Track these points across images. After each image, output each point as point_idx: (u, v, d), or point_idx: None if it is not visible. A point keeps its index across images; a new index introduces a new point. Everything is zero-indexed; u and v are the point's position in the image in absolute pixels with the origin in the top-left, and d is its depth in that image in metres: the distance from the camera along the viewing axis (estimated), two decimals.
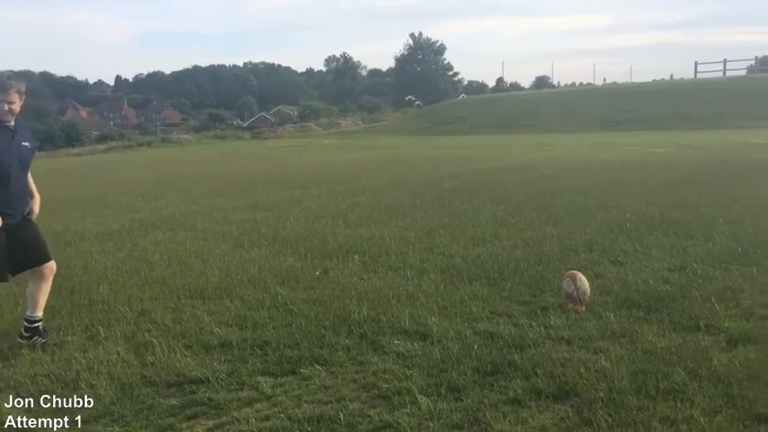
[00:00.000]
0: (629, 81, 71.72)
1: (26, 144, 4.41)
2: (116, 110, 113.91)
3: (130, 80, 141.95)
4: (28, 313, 4.57)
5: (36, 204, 4.61)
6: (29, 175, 4.63)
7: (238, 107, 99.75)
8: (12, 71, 4.45)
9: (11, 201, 4.30)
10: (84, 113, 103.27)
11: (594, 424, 3.08)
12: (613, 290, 5.18)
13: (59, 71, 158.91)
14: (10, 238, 4.30)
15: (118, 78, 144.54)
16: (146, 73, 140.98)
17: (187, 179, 17.82)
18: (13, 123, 4.30)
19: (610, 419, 3.09)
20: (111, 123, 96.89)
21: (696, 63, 54.76)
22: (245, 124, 75.90)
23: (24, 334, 4.52)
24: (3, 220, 4.23)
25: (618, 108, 42.34)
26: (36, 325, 4.55)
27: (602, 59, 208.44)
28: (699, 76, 52.59)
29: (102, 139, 58.53)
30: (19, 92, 4.26)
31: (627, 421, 3.08)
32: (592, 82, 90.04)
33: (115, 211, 11.49)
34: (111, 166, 28.25)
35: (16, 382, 3.87)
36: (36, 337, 4.50)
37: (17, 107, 4.26)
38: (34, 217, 4.62)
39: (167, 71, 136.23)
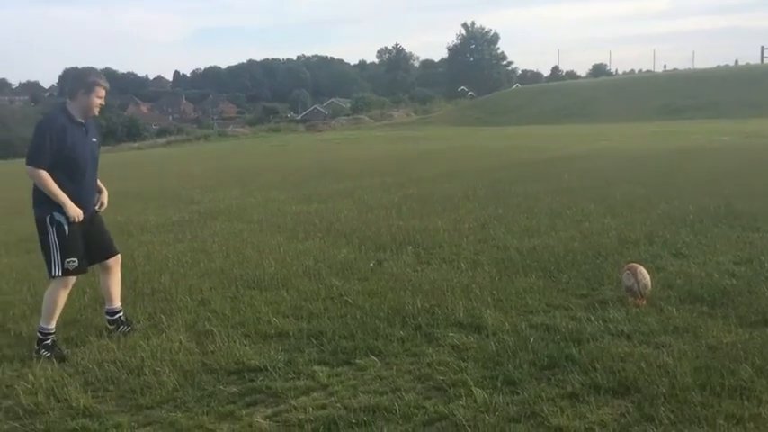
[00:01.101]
0: (690, 67, 69.27)
1: (95, 140, 4.58)
2: (174, 104, 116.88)
3: (188, 75, 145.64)
4: (107, 306, 4.74)
5: (105, 197, 4.78)
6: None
7: (292, 100, 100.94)
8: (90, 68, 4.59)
9: (86, 194, 4.47)
10: (144, 108, 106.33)
11: (656, 420, 3.00)
12: (676, 283, 5.02)
13: (121, 68, 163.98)
14: (85, 231, 4.46)
15: (176, 74, 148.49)
16: (203, 68, 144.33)
17: (243, 171, 18.17)
18: (84, 120, 4.44)
19: (672, 416, 3.01)
20: (170, 118, 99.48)
21: (762, 48, 52.48)
22: (299, 117, 76.76)
23: (109, 327, 4.69)
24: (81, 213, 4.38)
25: (679, 95, 41.00)
26: (118, 315, 4.72)
27: (662, 45, 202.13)
28: (765, 61, 50.29)
29: (162, 133, 60.32)
30: (106, 89, 4.43)
31: (690, 418, 2.98)
32: (651, 69, 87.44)
33: (175, 203, 11.83)
34: (171, 159, 29.05)
35: (84, 367, 4.03)
36: (122, 326, 4.66)
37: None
38: (104, 209, 4.80)
39: (223, 66, 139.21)
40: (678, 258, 5.84)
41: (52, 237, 4.28)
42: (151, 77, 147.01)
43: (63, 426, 3.30)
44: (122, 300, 5.31)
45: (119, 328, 4.66)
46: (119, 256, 4.81)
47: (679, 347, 3.79)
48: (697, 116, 34.41)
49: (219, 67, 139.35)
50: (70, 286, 4.47)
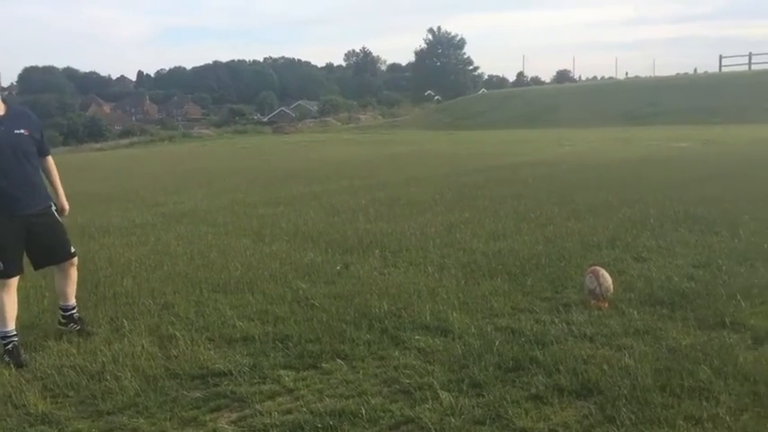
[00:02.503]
0: (651, 75, 70.79)
1: (21, 131, 4.25)
2: (138, 105, 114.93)
3: (152, 75, 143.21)
4: (61, 303, 4.67)
5: (64, 201, 4.66)
6: (49, 167, 4.61)
7: (258, 102, 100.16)
8: None
9: (13, 192, 4.20)
10: (106, 109, 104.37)
11: (618, 421, 3.06)
12: (637, 286, 5.13)
13: (83, 67, 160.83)
14: (30, 232, 4.31)
15: (140, 74, 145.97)
16: (167, 68, 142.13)
17: (208, 174, 17.95)
18: (2, 113, 4.19)
19: (633, 417, 3.07)
20: (134, 118, 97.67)
21: (721, 57, 53.75)
22: (266, 119, 76.19)
23: (61, 321, 4.64)
24: (11, 213, 4.18)
25: (641, 102, 41.81)
26: (71, 312, 4.65)
27: (624, 53, 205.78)
28: (723, 69, 51.68)
29: (125, 133, 59.20)
30: None
31: (651, 419, 3.05)
32: (614, 76, 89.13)
33: (138, 205, 11.63)
34: (134, 160, 28.54)
35: (43, 373, 3.94)
36: (72, 324, 4.60)
37: None
38: (65, 214, 4.68)
39: (188, 66, 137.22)
40: (639, 262, 5.96)
41: None
42: (114, 77, 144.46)
43: None
44: (83, 304, 5.23)
45: (68, 324, 4.59)
46: (75, 259, 4.68)
47: (640, 349, 3.87)
48: (658, 122, 35.14)
49: (184, 68, 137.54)
50: (12, 288, 4.27)
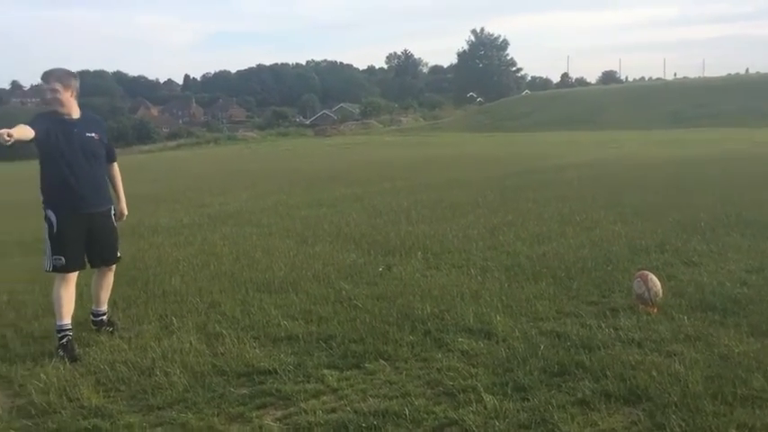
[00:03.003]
0: (701, 75, 69.00)
1: (92, 135, 4.52)
2: (185, 108, 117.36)
3: (198, 79, 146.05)
4: (93, 308, 4.83)
5: (124, 207, 4.89)
6: (114, 173, 4.84)
7: (301, 105, 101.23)
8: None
9: (81, 191, 4.42)
10: (154, 112, 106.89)
11: (668, 428, 2.99)
12: (687, 292, 5.00)
13: (132, 71, 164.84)
14: (90, 230, 4.50)
15: (186, 77, 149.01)
16: (213, 72, 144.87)
17: (252, 175, 18.24)
18: (75, 116, 4.44)
19: (684, 424, 2.99)
20: (180, 121, 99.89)
21: None
22: (308, 122, 77.04)
23: (92, 326, 4.79)
24: (76, 210, 4.42)
25: (689, 104, 40.86)
26: (100, 318, 4.80)
27: (672, 53, 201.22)
28: None
29: (172, 136, 60.64)
30: (62, 82, 4.37)
31: (702, 427, 2.97)
32: (662, 77, 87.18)
33: (185, 206, 11.89)
34: (181, 162, 29.19)
35: (96, 367, 4.06)
36: (104, 327, 4.75)
37: (63, 97, 4.36)
38: (123, 219, 4.85)
39: (233, 70, 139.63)
40: (689, 266, 5.82)
41: (44, 233, 4.44)
42: (162, 81, 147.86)
43: (75, 425, 3.32)
44: (134, 301, 5.39)
45: (101, 329, 4.73)
46: (114, 265, 4.83)
47: (690, 356, 3.78)
48: (707, 124, 34.27)
49: (229, 72, 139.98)
50: (71, 283, 4.47)
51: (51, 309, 4.67)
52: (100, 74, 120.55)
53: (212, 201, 12.39)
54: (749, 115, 35.09)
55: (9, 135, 3.89)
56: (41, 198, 4.49)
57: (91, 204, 4.51)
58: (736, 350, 3.80)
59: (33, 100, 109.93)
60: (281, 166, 21.41)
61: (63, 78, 4.42)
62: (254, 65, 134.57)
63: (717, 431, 2.93)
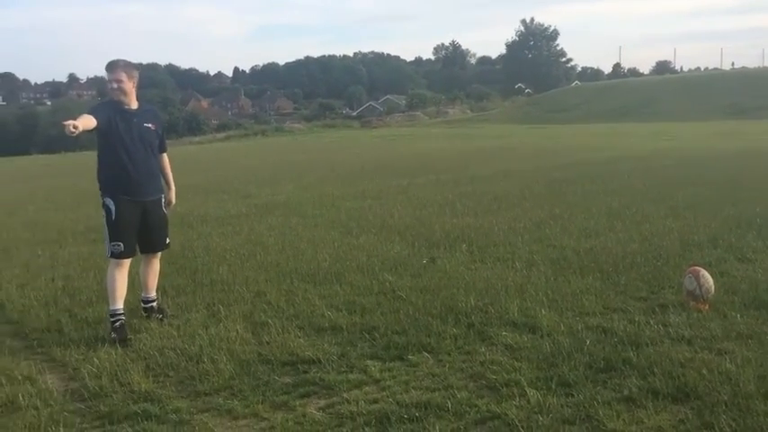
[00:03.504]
0: (760, 65, 66.43)
1: (149, 125, 4.68)
2: (233, 100, 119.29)
3: (247, 71, 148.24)
4: (143, 295, 4.96)
5: (173, 196, 5.01)
6: (165, 163, 4.96)
7: (348, 96, 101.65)
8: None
9: (138, 179, 4.58)
10: (204, 104, 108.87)
11: (717, 428, 2.91)
12: (740, 289, 4.85)
13: (183, 63, 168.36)
14: (144, 217, 4.64)
15: (236, 70, 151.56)
16: (261, 64, 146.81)
17: (299, 167, 18.42)
18: (134, 107, 4.59)
19: (734, 424, 2.91)
20: (229, 113, 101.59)
21: None
22: (354, 113, 77.31)
23: (143, 313, 4.92)
24: (132, 197, 4.56)
25: (748, 95, 39.40)
26: (150, 305, 4.92)
27: (730, 43, 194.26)
28: None
29: (221, 127, 61.71)
30: (127, 72, 4.52)
31: (754, 428, 2.88)
32: (719, 67, 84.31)
33: (233, 196, 12.09)
34: (229, 153, 29.68)
35: (146, 353, 4.18)
36: (154, 314, 4.88)
37: (127, 86, 4.51)
38: (171, 207, 4.98)
39: (281, 62, 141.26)
40: (743, 263, 5.63)
41: (103, 220, 4.59)
42: (212, 73, 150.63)
43: (125, 409, 3.43)
44: (183, 290, 5.52)
45: (151, 315, 4.86)
46: (159, 253, 4.95)
47: (742, 354, 3.66)
48: (765, 116, 32.97)
49: (277, 64, 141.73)
50: (125, 268, 4.62)
51: (105, 295, 4.85)
52: (153, 66, 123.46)
53: (259, 192, 12.56)
54: None
55: (75, 127, 4.05)
56: (99, 186, 4.64)
57: (146, 192, 4.66)
58: None
59: (89, 92, 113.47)
60: (326, 158, 21.57)
61: (127, 69, 4.57)
62: (301, 57, 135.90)
63: None
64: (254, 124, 63.15)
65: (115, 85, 4.50)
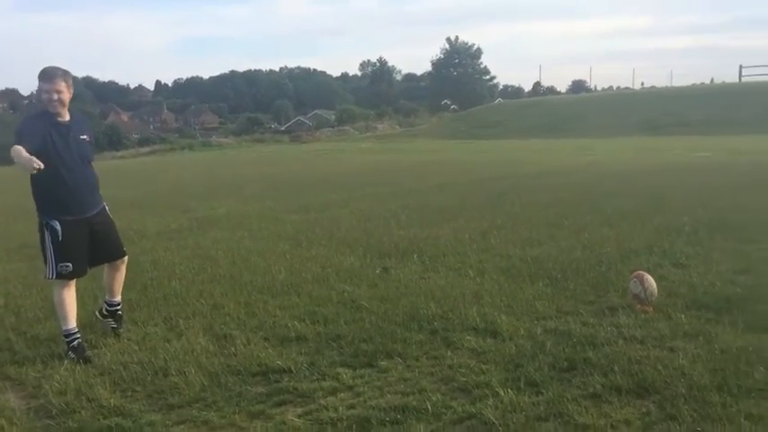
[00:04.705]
0: (668, 85, 70.54)
1: (84, 137, 4.43)
2: (156, 114, 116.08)
3: (170, 85, 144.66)
4: (107, 298, 4.81)
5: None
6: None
7: (275, 111, 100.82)
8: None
9: (79, 196, 4.37)
10: (125, 117, 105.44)
11: (679, 419, 3.12)
12: (680, 292, 5.18)
13: (102, 76, 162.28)
14: (92, 232, 4.48)
15: (157, 83, 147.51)
16: (184, 78, 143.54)
17: (234, 181, 18.17)
18: (68, 119, 4.34)
19: (695, 414, 3.13)
20: (151, 127, 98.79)
21: (741, 66, 53.52)
22: (283, 128, 76.71)
23: (104, 313, 4.77)
24: (74, 215, 4.33)
25: (660, 112, 41.65)
26: (116, 308, 4.79)
27: (642, 63, 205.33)
28: (744, 79, 51.39)
29: (144, 142, 59.95)
30: (66, 82, 4.25)
31: (713, 417, 3.11)
32: (630, 86, 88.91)
33: (170, 210, 11.81)
34: (158, 168, 28.87)
35: (109, 369, 4.07)
36: (109, 320, 4.75)
37: (66, 97, 4.25)
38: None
39: (205, 76, 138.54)
40: (679, 268, 6.00)
41: (47, 241, 4.32)
42: (132, 86, 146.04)
43: (96, 424, 3.34)
44: (136, 304, 5.40)
45: (107, 319, 4.75)
46: (125, 257, 4.83)
47: (692, 351, 3.93)
48: (677, 132, 35.01)
49: (201, 77, 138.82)
50: (72, 287, 4.45)
51: (53, 313, 4.67)
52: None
53: (197, 206, 12.32)
54: (719, 124, 35.96)
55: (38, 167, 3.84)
56: (37, 206, 4.39)
57: (89, 208, 4.46)
58: (735, 345, 3.97)
59: (1, 105, 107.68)
60: (261, 172, 21.35)
61: (67, 78, 4.28)
62: (226, 71, 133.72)
63: (727, 420, 3.07)
64: (178, 138, 61.67)
65: (55, 96, 4.19)
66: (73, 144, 4.33)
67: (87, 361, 4.16)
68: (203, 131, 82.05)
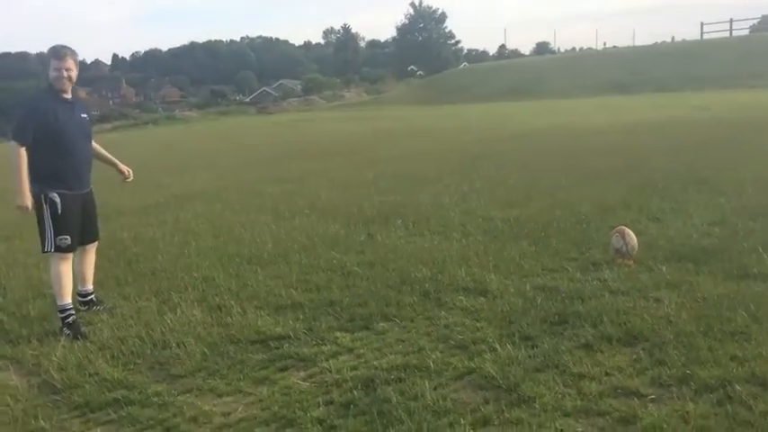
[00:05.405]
0: (631, 44, 71.14)
1: (84, 116, 4.57)
2: (115, 89, 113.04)
3: (127, 58, 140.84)
4: (79, 288, 4.74)
5: (124, 167, 5.03)
6: (100, 149, 4.85)
7: (238, 82, 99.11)
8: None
9: (79, 171, 4.47)
10: (83, 93, 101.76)
11: (669, 363, 3.27)
12: (658, 244, 5.36)
13: None
14: (83, 209, 4.49)
15: (115, 57, 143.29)
16: (143, 51, 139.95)
17: (205, 154, 17.98)
18: (71, 96, 4.44)
19: (684, 358, 3.29)
20: (111, 102, 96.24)
21: (702, 23, 54.28)
22: (248, 99, 75.59)
23: (80, 307, 4.71)
24: (72, 190, 4.41)
25: (625, 71, 42.15)
26: (90, 297, 4.77)
27: (605, 24, 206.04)
28: (705, 36, 52.09)
29: (104, 118, 58.46)
30: (75, 60, 4.38)
31: (700, 360, 3.26)
32: (593, 47, 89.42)
33: (144, 186, 11.58)
34: (124, 143, 28.23)
35: (107, 343, 4.08)
36: (95, 307, 4.73)
37: (74, 75, 4.37)
38: (131, 177, 5.01)
39: (164, 48, 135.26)
40: (655, 222, 6.19)
41: (46, 214, 4.34)
42: (89, 61, 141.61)
43: (102, 397, 3.37)
44: (124, 279, 5.38)
45: (90, 308, 4.72)
46: (97, 241, 4.85)
47: (675, 300, 4.10)
48: (642, 90, 35.50)
49: (161, 50, 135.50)
50: (70, 262, 4.46)
51: (40, 293, 4.65)
52: (22, 56, 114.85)
53: (171, 181, 12.20)
54: (681, 81, 36.52)
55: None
56: (35, 179, 4.34)
57: (85, 184, 4.56)
58: (716, 293, 4.15)
59: None
60: (232, 145, 21.14)
61: (75, 57, 4.40)
62: (186, 42, 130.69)
63: (714, 363, 3.23)
64: (140, 113, 60.37)
65: (65, 74, 4.31)
66: (77, 120, 4.45)
67: (83, 337, 4.17)
68: (165, 105, 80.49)
